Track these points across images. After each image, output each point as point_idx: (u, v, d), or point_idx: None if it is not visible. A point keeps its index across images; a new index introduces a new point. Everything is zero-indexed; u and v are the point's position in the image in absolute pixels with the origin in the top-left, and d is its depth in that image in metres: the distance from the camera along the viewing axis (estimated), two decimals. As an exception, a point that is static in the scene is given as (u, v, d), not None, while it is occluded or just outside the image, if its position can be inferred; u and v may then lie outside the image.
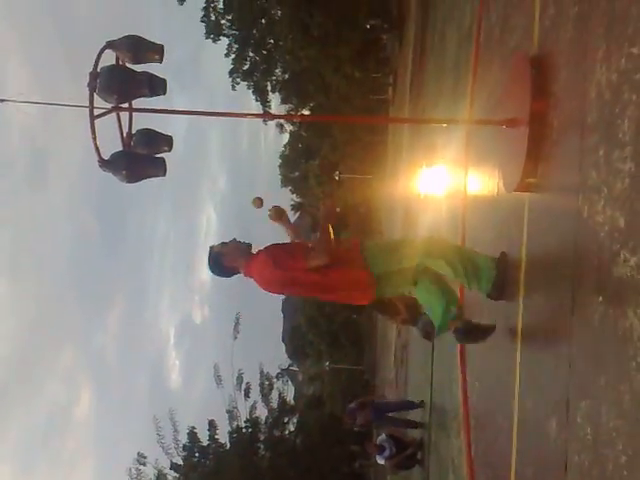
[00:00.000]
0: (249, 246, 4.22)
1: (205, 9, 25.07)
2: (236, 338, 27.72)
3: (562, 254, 3.22)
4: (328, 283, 4.09)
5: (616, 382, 2.42)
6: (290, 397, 30.99)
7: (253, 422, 24.79)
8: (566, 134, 3.30)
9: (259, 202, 4.43)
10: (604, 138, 2.74)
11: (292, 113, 31.27)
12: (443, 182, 8.90)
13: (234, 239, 4.26)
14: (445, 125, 8.61)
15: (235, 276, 4.30)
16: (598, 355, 2.66)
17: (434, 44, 12.52)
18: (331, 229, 4.13)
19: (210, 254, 4.24)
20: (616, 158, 2.58)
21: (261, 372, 27.47)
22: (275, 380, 28.86)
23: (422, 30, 16.25)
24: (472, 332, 4.32)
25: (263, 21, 25.88)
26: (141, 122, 4.37)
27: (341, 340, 38.45)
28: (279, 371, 32.03)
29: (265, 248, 4.19)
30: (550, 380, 3.29)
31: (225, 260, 4.19)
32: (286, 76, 29.19)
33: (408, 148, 18.57)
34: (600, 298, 2.65)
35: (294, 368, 45.33)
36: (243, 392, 25.53)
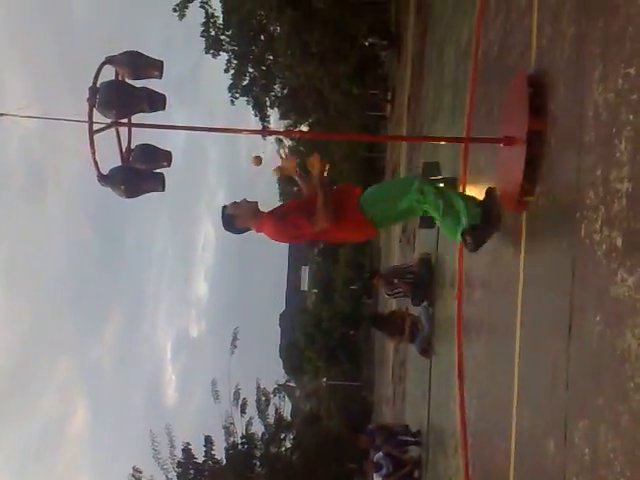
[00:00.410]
0: (256, 204, 4.44)
1: (205, 24, 25.22)
2: (233, 353, 27.65)
3: (560, 272, 3.21)
4: (331, 235, 4.55)
5: (614, 402, 2.41)
6: (287, 413, 30.84)
7: (249, 438, 24.62)
8: (563, 153, 3.31)
9: (258, 160, 4.49)
10: (601, 158, 2.75)
11: (291, 129, 31.40)
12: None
13: (244, 199, 4.41)
14: (443, 143, 8.64)
15: (246, 232, 4.53)
16: (596, 375, 2.65)
17: (432, 61, 12.60)
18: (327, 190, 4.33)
19: (223, 215, 4.42)
20: (613, 178, 2.59)
21: (258, 387, 27.33)
22: (272, 396, 28.72)
23: (420, 47, 16.34)
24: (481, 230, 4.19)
25: (262, 38, 26.03)
26: (140, 137, 4.38)
27: (339, 356, 38.30)
28: (276, 387, 31.90)
29: (272, 210, 4.44)
30: (548, 399, 3.27)
31: (237, 222, 4.40)
32: (285, 92, 29.31)
33: (406, 165, 18.62)
34: (598, 317, 2.64)
35: (291, 384, 45.14)
36: (239, 408, 25.38)
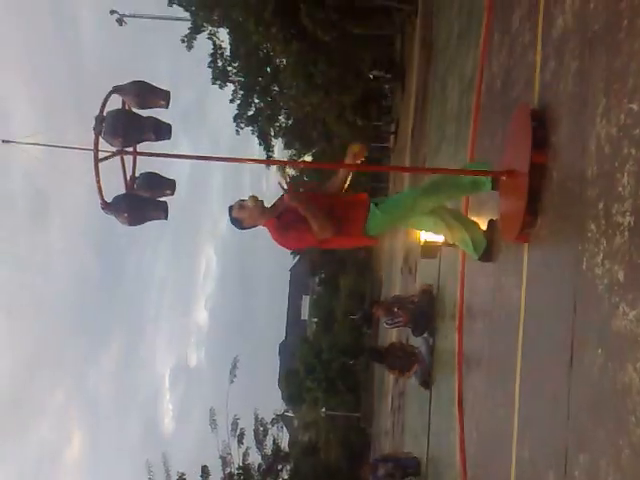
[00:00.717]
0: (262, 204, 4.48)
1: (212, 55, 25.57)
2: (232, 382, 27.49)
3: (562, 304, 3.21)
4: (333, 244, 4.68)
5: (615, 436, 2.39)
6: (285, 444, 30.52)
7: (246, 469, 24.36)
8: (566, 186, 3.33)
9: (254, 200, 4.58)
10: (604, 191, 2.76)
11: (295, 158, 31.62)
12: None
13: (248, 201, 4.44)
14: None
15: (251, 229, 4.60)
16: (597, 408, 2.63)
17: (436, 94, 12.72)
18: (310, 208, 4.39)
19: (230, 216, 4.51)
20: (616, 211, 2.60)
21: (256, 417, 27.11)
22: (270, 426, 28.46)
23: (424, 80, 16.52)
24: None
25: (268, 69, 26.38)
26: (145, 165, 4.41)
27: (338, 386, 38.03)
28: (274, 417, 31.61)
29: (277, 216, 4.50)
30: (548, 432, 3.25)
31: (244, 223, 4.50)
32: (290, 122, 29.57)
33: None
34: (599, 350, 2.64)
35: (289, 414, 44.74)
36: (237, 438, 25.14)
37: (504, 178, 4.13)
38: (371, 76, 28.39)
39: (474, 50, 7.00)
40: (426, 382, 8.98)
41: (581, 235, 2.97)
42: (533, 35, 4.19)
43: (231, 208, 4.50)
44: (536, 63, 4.05)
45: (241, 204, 4.46)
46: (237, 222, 4.50)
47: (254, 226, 4.54)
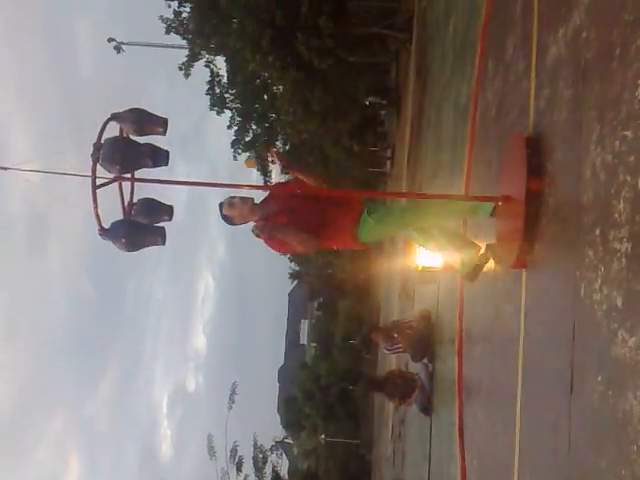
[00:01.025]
0: (252, 202, 4.55)
1: (210, 82, 25.80)
2: (231, 408, 27.28)
3: (560, 331, 3.20)
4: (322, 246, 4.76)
5: (617, 466, 2.37)
6: (284, 471, 30.20)
7: (245, 498, 24.08)
8: (562, 213, 3.34)
9: (252, 163, 4.62)
10: (600, 218, 2.77)
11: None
12: (440, 255, 8.91)
13: (238, 198, 4.50)
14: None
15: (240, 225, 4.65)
16: (598, 437, 2.61)
17: (431, 120, 12.81)
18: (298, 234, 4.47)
19: (220, 213, 4.56)
20: (612, 238, 2.60)
21: (255, 444, 26.85)
22: (269, 453, 28.16)
23: (420, 106, 16.64)
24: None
25: (265, 96, 26.60)
26: (143, 190, 4.42)
27: (337, 413, 37.74)
28: (273, 444, 31.32)
29: (264, 217, 4.54)
30: (549, 461, 3.22)
31: (234, 221, 4.57)
32: (287, 148, 29.73)
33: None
34: (599, 378, 2.62)
35: (289, 440, 44.33)
36: (236, 465, 24.87)
37: (500, 204, 4.14)
38: (367, 102, 28.63)
39: (469, 77, 7.06)
40: (426, 409, 8.90)
41: (579, 261, 2.97)
42: (527, 63, 4.24)
43: (221, 205, 4.55)
44: (530, 91, 4.09)
45: (231, 202, 4.50)
46: (227, 219, 4.56)
47: (245, 223, 4.59)
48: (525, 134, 3.99)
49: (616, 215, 2.59)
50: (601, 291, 2.68)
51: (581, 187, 3.02)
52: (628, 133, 2.56)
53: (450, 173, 8.39)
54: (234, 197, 4.52)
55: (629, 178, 2.51)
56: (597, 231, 2.78)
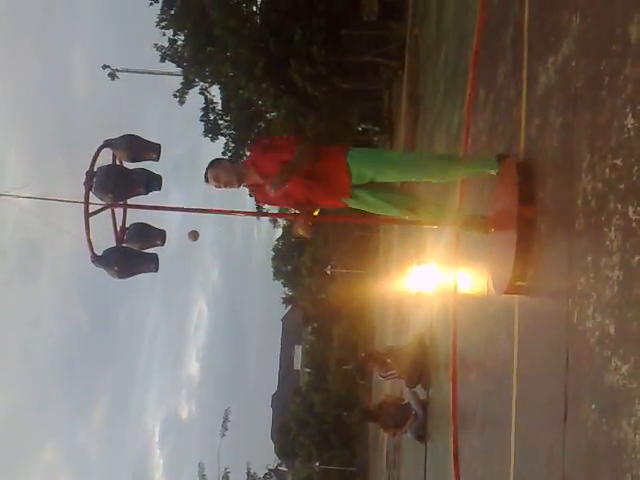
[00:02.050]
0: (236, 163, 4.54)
1: (204, 109, 26.00)
2: (224, 435, 27.01)
3: (554, 357, 3.19)
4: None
5: (613, 495, 2.35)
6: (278, 500, 29.82)
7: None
8: (554, 239, 3.35)
9: (194, 235, 4.56)
10: (592, 245, 2.78)
11: (285, 209, 31.78)
12: (434, 280, 8.94)
13: (225, 163, 4.44)
14: (435, 227, 8.74)
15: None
16: (593, 465, 2.59)
17: (423, 147, 12.90)
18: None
19: (205, 177, 4.41)
20: (604, 265, 2.61)
21: (248, 472, 26.56)
22: (262, 482, 27.84)
23: (412, 133, 16.77)
24: None
25: (260, 123, 26.81)
26: (136, 215, 4.43)
27: (332, 440, 37.39)
28: (267, 471, 30.95)
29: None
30: (545, 490, 3.19)
31: (222, 187, 4.40)
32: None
33: (399, 245, 18.76)
34: (593, 406, 2.61)
35: (282, 468, 43.84)
36: (228, 494, 24.56)
37: (493, 230, 4.16)
38: (360, 129, 28.85)
39: (460, 105, 7.13)
40: (421, 436, 8.84)
41: (571, 288, 2.97)
42: (518, 91, 4.28)
43: (206, 174, 4.40)
44: (521, 118, 4.13)
45: (216, 176, 4.37)
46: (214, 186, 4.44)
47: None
48: (516, 161, 4.02)
49: (607, 243, 2.60)
50: (594, 318, 2.68)
51: (572, 214, 3.03)
52: (618, 161, 2.58)
53: (443, 198, 8.42)
54: (219, 165, 4.40)
55: (620, 206, 2.52)
56: (589, 258, 2.78)
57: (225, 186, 4.39)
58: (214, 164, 4.41)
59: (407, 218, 4.75)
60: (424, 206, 4.75)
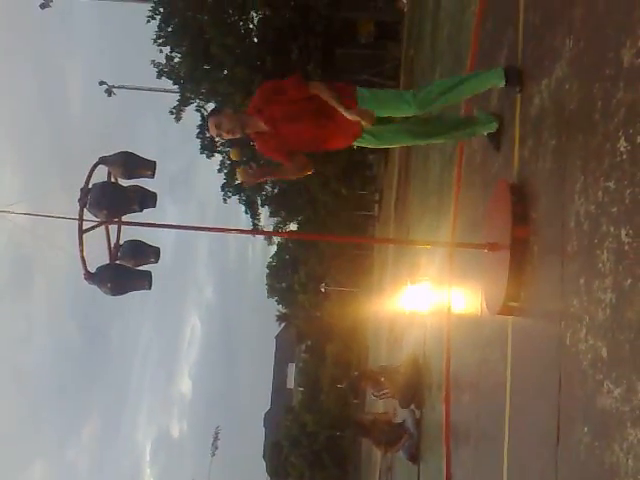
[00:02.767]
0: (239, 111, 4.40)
1: (200, 127, 26.05)
2: (214, 454, 26.76)
3: (547, 379, 3.19)
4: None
5: (605, 520, 2.33)
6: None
7: None
8: (547, 261, 3.36)
9: (237, 153, 4.53)
10: (584, 267, 2.79)
11: (280, 227, 31.83)
12: (427, 300, 8.93)
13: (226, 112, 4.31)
14: (429, 247, 8.77)
15: None
16: (586, 489, 2.58)
17: (418, 166, 12.95)
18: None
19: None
20: (597, 288, 2.61)
21: (239, 492, 26.28)
22: (254, 502, 27.54)
23: (407, 151, 16.83)
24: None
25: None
26: (130, 232, 4.42)
27: (324, 460, 37.10)
28: (258, 491, 30.70)
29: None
30: (538, 513, 3.17)
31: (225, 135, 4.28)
32: (275, 191, 29.91)
33: (393, 264, 18.76)
34: (585, 429, 2.60)
35: (274, 488, 43.43)
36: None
37: (486, 251, 4.16)
38: (355, 146, 28.98)
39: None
40: (414, 456, 8.78)
41: (564, 310, 2.97)
42: (512, 113, 4.31)
43: (208, 124, 4.34)
44: (515, 140, 4.15)
45: (217, 123, 4.22)
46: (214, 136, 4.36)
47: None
48: (510, 182, 4.04)
49: (600, 265, 2.60)
50: (586, 341, 2.68)
51: (565, 236, 3.04)
52: (610, 184, 2.59)
53: (437, 218, 8.44)
54: (221, 113, 4.27)
55: (612, 229, 2.53)
56: (581, 280, 2.79)
57: (228, 134, 4.26)
58: (216, 112, 4.33)
59: (422, 143, 4.67)
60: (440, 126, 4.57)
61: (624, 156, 2.50)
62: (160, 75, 24.78)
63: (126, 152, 4.23)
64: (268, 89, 4.32)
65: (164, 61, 24.47)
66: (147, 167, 4.22)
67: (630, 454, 2.20)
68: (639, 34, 2.46)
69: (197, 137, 26.42)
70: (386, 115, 4.28)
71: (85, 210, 4.02)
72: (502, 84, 4.21)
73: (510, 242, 3.70)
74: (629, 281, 2.35)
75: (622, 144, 2.52)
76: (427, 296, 8.91)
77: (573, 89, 3.19)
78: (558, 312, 3.04)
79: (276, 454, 41.28)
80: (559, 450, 2.89)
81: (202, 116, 25.98)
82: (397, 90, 4.76)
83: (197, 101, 25.39)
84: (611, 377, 2.41)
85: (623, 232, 2.43)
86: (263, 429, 64.13)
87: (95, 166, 4.12)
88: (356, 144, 4.49)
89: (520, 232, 3.65)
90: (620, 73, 2.61)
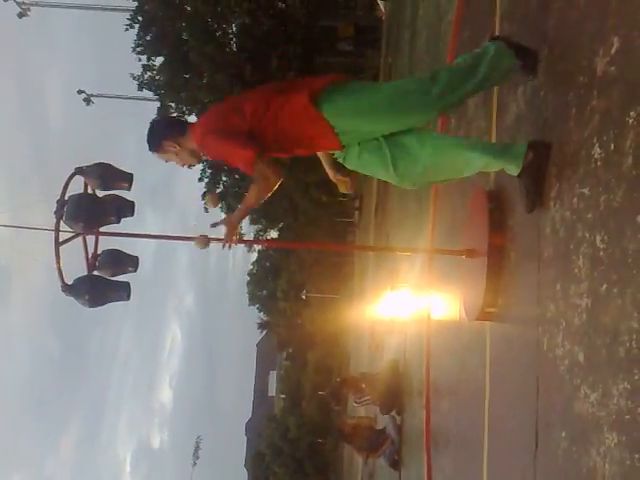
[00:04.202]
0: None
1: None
2: (195, 464, 26.56)
3: (524, 384, 3.21)
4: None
5: (583, 524, 2.35)
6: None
7: None
8: (524, 267, 3.39)
9: (215, 199, 4.37)
10: (560, 273, 2.81)
11: (261, 234, 31.82)
12: (407, 306, 8.96)
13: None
14: (408, 254, 8.80)
15: None
16: (564, 494, 2.60)
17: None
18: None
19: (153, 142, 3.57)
20: (573, 293, 2.64)
21: (221, 502, 26.09)
22: (236, 511, 27.38)
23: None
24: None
25: None
26: (109, 241, 4.39)
27: (306, 468, 36.99)
28: (240, 501, 30.52)
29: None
30: (518, 519, 3.18)
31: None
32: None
33: (373, 270, 18.81)
34: (563, 434, 2.62)
35: (257, 497, 43.19)
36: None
37: (464, 258, 4.19)
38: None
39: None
40: (395, 462, 8.78)
41: (541, 316, 3.00)
42: (488, 121, 4.35)
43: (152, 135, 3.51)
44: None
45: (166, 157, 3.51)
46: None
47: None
48: (487, 189, 4.07)
49: (576, 271, 2.63)
50: (563, 346, 2.70)
51: (542, 242, 3.07)
52: (585, 190, 2.62)
53: (417, 225, 8.48)
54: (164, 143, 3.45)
55: (587, 235, 2.56)
56: (558, 286, 2.81)
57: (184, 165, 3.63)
58: (157, 140, 3.50)
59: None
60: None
61: (598, 163, 2.53)
62: (141, 87, 24.70)
63: (103, 164, 4.19)
64: (209, 122, 3.44)
65: (142, 71, 24.38)
66: (124, 179, 4.19)
67: (607, 458, 2.21)
68: (612, 42, 2.49)
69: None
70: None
71: (62, 222, 3.98)
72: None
73: (487, 249, 3.72)
74: (604, 286, 2.37)
75: (596, 151, 2.55)
76: (407, 302, 8.94)
77: (548, 97, 3.22)
78: (535, 318, 3.06)
79: (258, 463, 41.07)
80: (538, 455, 2.91)
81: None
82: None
83: (177, 110, 25.34)
84: (588, 382, 2.43)
85: (598, 238, 2.46)
86: (245, 438, 63.82)
87: (71, 177, 4.08)
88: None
89: (497, 239, 3.68)
90: (594, 81, 2.64)
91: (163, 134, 3.52)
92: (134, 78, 24.26)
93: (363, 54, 26.24)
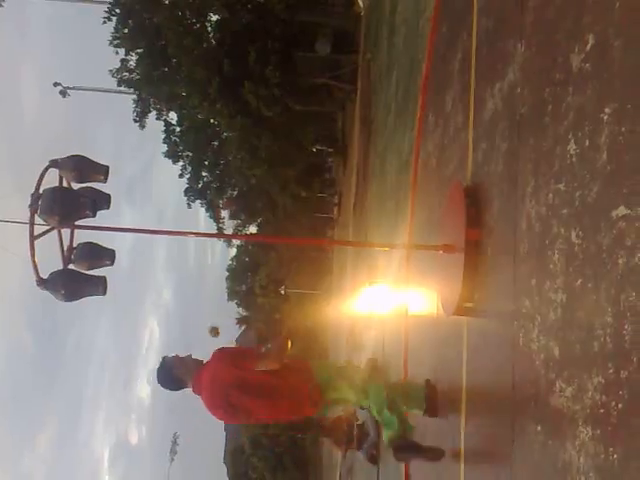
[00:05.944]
0: (201, 362, 4.21)
1: (166, 132, 25.94)
2: (173, 460, 26.45)
3: (501, 379, 3.23)
4: (276, 385, 4.16)
5: (558, 517, 2.37)
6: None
7: None
8: (500, 262, 3.41)
9: (215, 331, 4.46)
10: (536, 268, 2.83)
11: (240, 229, 31.73)
12: (385, 302, 8.99)
13: (189, 355, 4.24)
14: (386, 249, 8.83)
15: (181, 390, 4.24)
16: (539, 487, 2.61)
17: (375, 169, 13.03)
18: (288, 344, 4.38)
19: (162, 364, 4.19)
20: (548, 288, 2.66)
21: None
22: (214, 507, 27.30)
23: (365, 155, 16.94)
24: (409, 448, 4.42)
25: (216, 143, 26.80)
26: (86, 234, 4.33)
27: (286, 463, 37.00)
28: (219, 496, 30.46)
29: (216, 352, 4.26)
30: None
31: (176, 372, 4.15)
32: (235, 193, 29.82)
33: (352, 266, 18.83)
34: (539, 428, 2.64)
35: (235, 493, 43.14)
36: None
37: (441, 253, 4.20)
38: (314, 150, 29.04)
39: (410, 129, 7.23)
40: (373, 457, 8.81)
41: (516, 310, 3.01)
42: (465, 117, 4.36)
43: (164, 357, 4.23)
44: (468, 143, 4.20)
45: (177, 355, 4.24)
46: (168, 372, 4.17)
47: (184, 383, 4.21)
48: (464, 184, 4.08)
49: (551, 266, 2.65)
50: (538, 341, 2.72)
51: (517, 238, 3.09)
52: (561, 186, 2.64)
53: (395, 220, 8.50)
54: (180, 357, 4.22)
55: (562, 230, 2.58)
56: (533, 281, 2.83)
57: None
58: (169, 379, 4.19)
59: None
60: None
61: (574, 159, 2.54)
62: (120, 84, 24.49)
63: (78, 156, 4.14)
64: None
65: (120, 64, 24.14)
66: (99, 172, 4.14)
67: (582, 452, 2.23)
68: (587, 40, 2.51)
69: (164, 142, 26.29)
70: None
71: (37, 215, 3.92)
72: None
73: (464, 244, 3.74)
74: (579, 281, 2.39)
75: (572, 147, 2.57)
76: (385, 297, 8.97)
77: (525, 93, 3.24)
78: (511, 312, 3.08)
79: (237, 458, 41.02)
80: (514, 449, 2.93)
81: (165, 122, 25.80)
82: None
83: (155, 105, 25.15)
84: (563, 376, 2.45)
85: (573, 233, 2.48)
86: (224, 433, 63.62)
87: (46, 170, 4.02)
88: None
89: (474, 234, 3.70)
90: (570, 77, 2.65)
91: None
92: (113, 75, 24.05)
93: (342, 50, 26.16)
